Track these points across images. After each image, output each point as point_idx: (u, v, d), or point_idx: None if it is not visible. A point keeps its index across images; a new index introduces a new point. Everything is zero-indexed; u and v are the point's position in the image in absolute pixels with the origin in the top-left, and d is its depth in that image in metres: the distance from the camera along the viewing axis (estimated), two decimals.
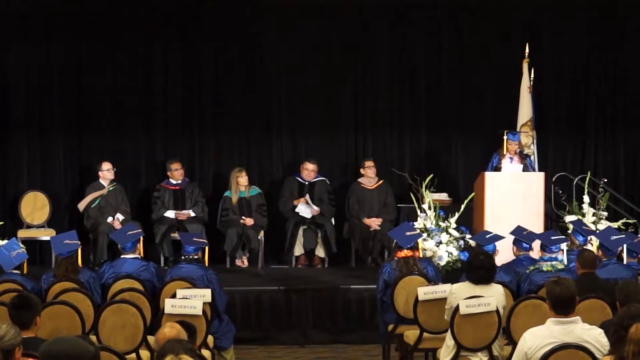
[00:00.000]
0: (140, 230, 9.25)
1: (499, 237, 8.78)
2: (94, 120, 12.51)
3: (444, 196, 11.82)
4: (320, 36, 12.74)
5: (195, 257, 8.59)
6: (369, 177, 12.22)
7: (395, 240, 8.84)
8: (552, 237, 8.56)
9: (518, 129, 11.92)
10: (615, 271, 8.17)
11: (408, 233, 8.80)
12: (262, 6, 12.53)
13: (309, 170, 12.19)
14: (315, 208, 11.92)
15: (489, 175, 10.96)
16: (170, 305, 7.32)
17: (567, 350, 5.47)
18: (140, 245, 8.91)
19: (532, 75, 12.08)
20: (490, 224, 10.25)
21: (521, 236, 8.78)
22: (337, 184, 12.61)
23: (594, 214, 11.48)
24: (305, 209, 11.91)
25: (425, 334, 7.84)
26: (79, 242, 8.60)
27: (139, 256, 8.84)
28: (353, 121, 12.94)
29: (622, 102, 13.05)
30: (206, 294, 7.69)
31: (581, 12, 12.86)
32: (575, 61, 13.04)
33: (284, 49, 12.76)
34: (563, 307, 5.57)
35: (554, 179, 12.08)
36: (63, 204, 12.41)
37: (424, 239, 10.68)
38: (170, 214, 11.88)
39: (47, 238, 11.04)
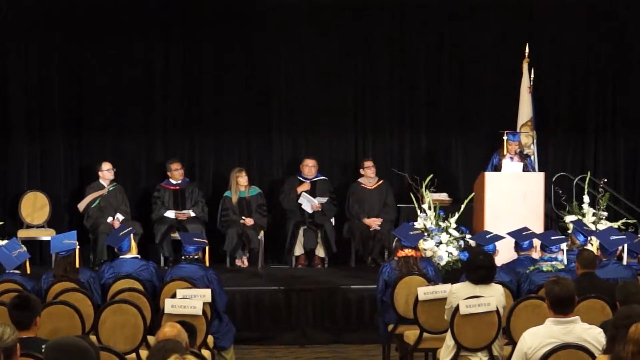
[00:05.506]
0: (131, 228, 9.23)
1: (499, 237, 8.78)
2: (94, 120, 12.50)
3: (444, 196, 11.82)
4: (320, 36, 12.74)
5: (196, 257, 8.60)
6: (368, 177, 12.22)
7: (395, 240, 8.85)
8: (552, 237, 8.57)
9: (518, 129, 11.92)
10: (615, 271, 8.17)
11: (410, 232, 8.82)
12: (262, 6, 12.52)
13: (309, 167, 12.19)
14: (316, 202, 11.91)
15: (489, 175, 10.95)
16: (170, 305, 7.32)
17: (567, 350, 5.48)
18: (134, 243, 8.89)
19: (532, 75, 12.07)
20: (490, 224, 10.25)
21: (519, 237, 8.78)
22: (337, 183, 12.60)
23: (594, 214, 11.47)
24: (306, 202, 11.89)
25: (425, 334, 7.84)
26: (77, 242, 8.59)
27: (138, 256, 8.84)
28: (353, 121, 12.94)
29: (622, 102, 13.06)
30: (206, 294, 7.69)
31: (581, 12, 12.86)
32: (575, 61, 13.04)
33: (284, 49, 12.76)
34: (562, 306, 5.57)
35: (554, 179, 12.09)
36: (63, 204, 12.41)
37: (424, 239, 10.68)
38: (170, 214, 11.87)
39: (47, 238, 11.02)
